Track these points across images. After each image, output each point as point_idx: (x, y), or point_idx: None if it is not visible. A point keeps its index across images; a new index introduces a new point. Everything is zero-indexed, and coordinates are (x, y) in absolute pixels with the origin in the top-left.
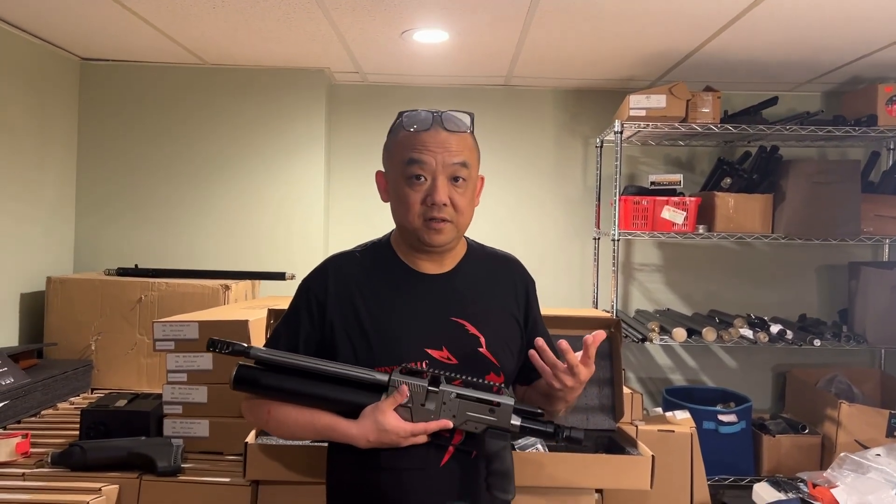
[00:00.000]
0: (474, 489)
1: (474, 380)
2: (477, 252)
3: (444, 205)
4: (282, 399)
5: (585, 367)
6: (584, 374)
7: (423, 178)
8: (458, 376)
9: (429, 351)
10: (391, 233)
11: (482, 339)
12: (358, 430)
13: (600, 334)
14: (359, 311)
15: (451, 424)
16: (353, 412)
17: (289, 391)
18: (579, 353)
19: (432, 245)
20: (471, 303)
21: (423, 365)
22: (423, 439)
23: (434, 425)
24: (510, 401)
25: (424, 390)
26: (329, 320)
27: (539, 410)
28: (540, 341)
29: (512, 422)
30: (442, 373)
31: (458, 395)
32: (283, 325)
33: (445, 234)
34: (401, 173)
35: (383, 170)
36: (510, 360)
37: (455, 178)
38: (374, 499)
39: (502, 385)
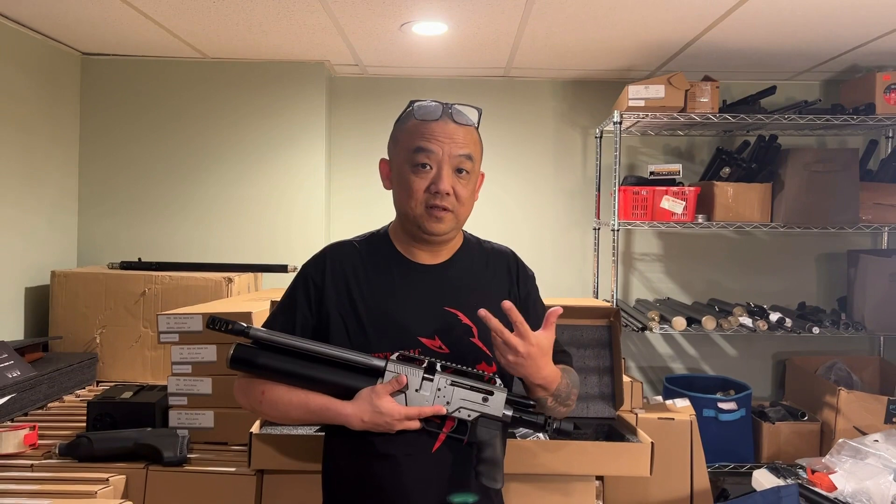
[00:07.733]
0: (464, 476)
1: (467, 369)
2: (473, 245)
3: (448, 194)
4: (277, 379)
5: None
6: (534, 340)
7: (428, 167)
8: (452, 365)
9: (421, 339)
10: (389, 224)
11: (474, 329)
12: (353, 410)
13: (557, 309)
14: (354, 298)
15: (444, 410)
16: (346, 395)
17: (285, 371)
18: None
19: (432, 233)
20: (464, 293)
21: (417, 353)
22: (415, 424)
23: (429, 410)
24: (503, 390)
25: (420, 377)
26: (325, 306)
27: (531, 402)
28: (482, 311)
29: (504, 411)
30: (437, 360)
31: (453, 383)
32: (280, 309)
33: (446, 223)
34: (407, 160)
35: (387, 158)
36: None
37: (459, 170)
38: (366, 484)
39: (494, 375)
